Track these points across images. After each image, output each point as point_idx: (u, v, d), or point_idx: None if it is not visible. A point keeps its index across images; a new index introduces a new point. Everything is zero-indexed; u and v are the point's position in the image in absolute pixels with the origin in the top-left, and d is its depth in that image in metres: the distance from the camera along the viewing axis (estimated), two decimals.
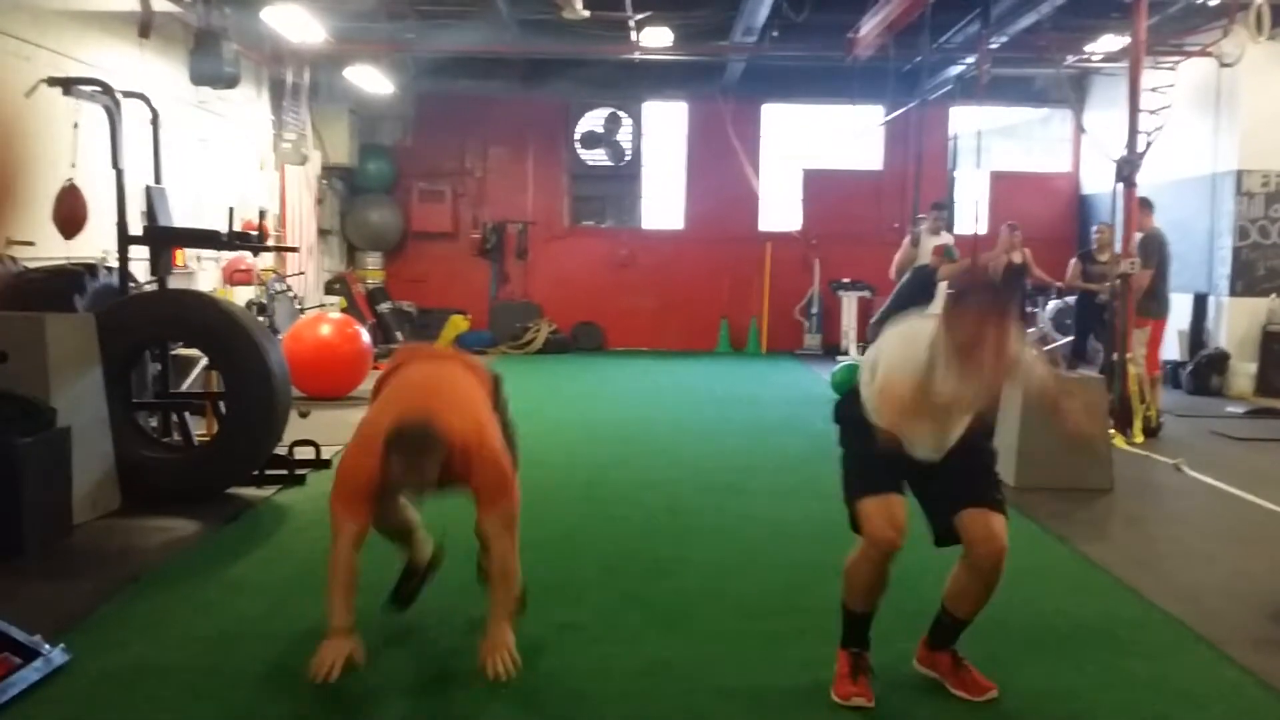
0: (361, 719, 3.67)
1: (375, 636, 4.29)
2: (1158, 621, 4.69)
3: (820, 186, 17.25)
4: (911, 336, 3.63)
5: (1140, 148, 9.43)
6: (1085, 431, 3.81)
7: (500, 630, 3.77)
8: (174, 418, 7.31)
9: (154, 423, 7.35)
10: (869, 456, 3.69)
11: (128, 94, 7.72)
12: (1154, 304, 9.75)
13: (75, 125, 8.13)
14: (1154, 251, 9.69)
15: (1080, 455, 6.81)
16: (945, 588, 3.88)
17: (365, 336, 11.07)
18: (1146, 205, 9.85)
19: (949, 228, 12.24)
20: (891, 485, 3.69)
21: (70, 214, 8.05)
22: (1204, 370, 12.59)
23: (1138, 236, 9.72)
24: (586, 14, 11.53)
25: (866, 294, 16.00)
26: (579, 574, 5.25)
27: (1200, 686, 3.99)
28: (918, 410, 3.48)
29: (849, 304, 16.07)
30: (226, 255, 11.36)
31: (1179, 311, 11.78)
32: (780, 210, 17.52)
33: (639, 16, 12.69)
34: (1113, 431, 8.21)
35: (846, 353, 15.34)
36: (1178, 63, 12.33)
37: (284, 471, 6.98)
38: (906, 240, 12.03)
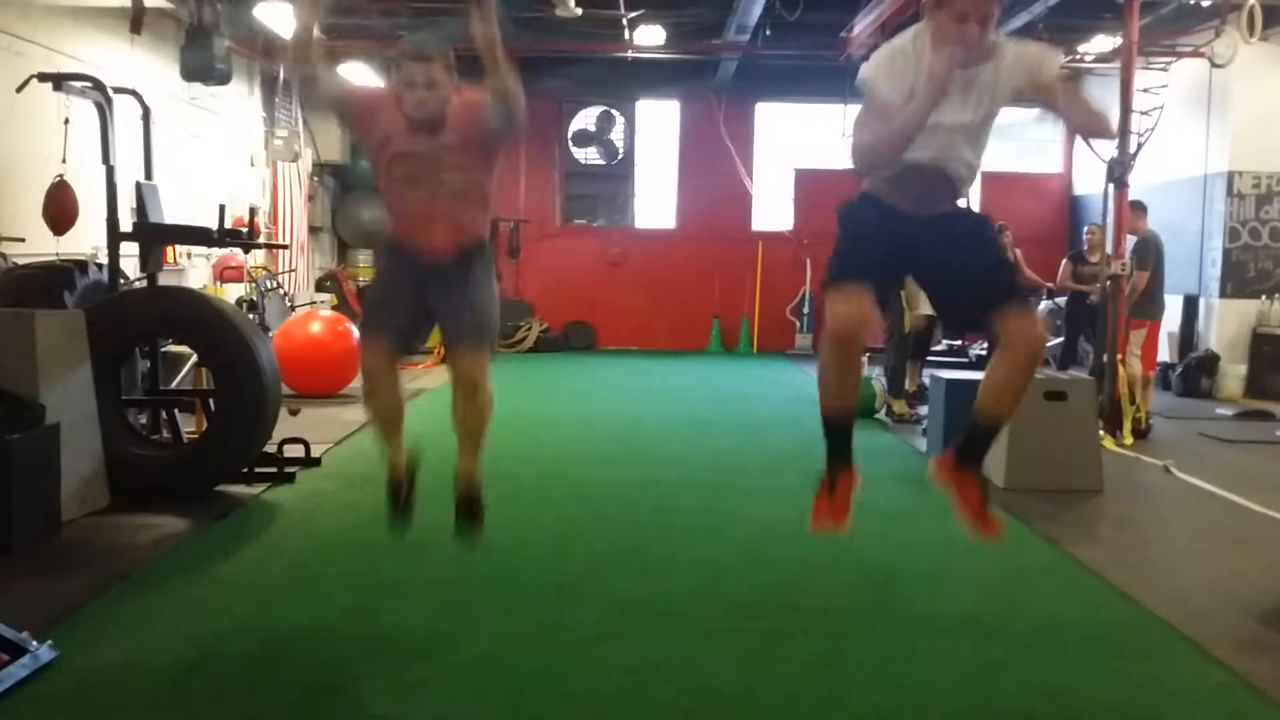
0: (350, 719, 3.66)
1: (363, 635, 4.30)
2: (1146, 623, 4.70)
3: (812, 186, 17.23)
4: (896, 48, 3.61)
5: (1132, 149, 9.46)
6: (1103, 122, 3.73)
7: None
8: (163, 415, 7.28)
9: (143, 420, 7.33)
10: (858, 240, 3.72)
11: (119, 90, 7.68)
12: (1151, 306, 9.81)
13: (66, 121, 8.10)
14: (1150, 254, 9.73)
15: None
16: (981, 392, 3.79)
17: (356, 334, 11.03)
18: (1140, 208, 9.88)
19: None
20: (866, 274, 3.63)
21: (60, 210, 8.02)
22: (1194, 372, 12.62)
23: (1132, 239, 9.76)
24: (579, 12, 11.53)
25: None
26: (569, 573, 5.24)
27: (1188, 688, 4.00)
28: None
29: None
30: (217, 252, 11.34)
31: (1169, 313, 11.82)
32: (772, 209, 17.53)
33: (632, 15, 12.69)
34: (1102, 433, 8.23)
35: None
36: (1170, 63, 12.39)
37: (274, 469, 6.97)
38: None
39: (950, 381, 8.09)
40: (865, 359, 13.65)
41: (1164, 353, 12.56)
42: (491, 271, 4.40)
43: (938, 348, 13.52)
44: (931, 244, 3.69)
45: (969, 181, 3.81)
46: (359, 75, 13.96)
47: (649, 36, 13.50)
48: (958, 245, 3.71)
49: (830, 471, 3.97)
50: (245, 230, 7.89)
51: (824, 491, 3.96)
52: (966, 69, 3.51)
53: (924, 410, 9.58)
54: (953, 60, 3.41)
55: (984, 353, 12.82)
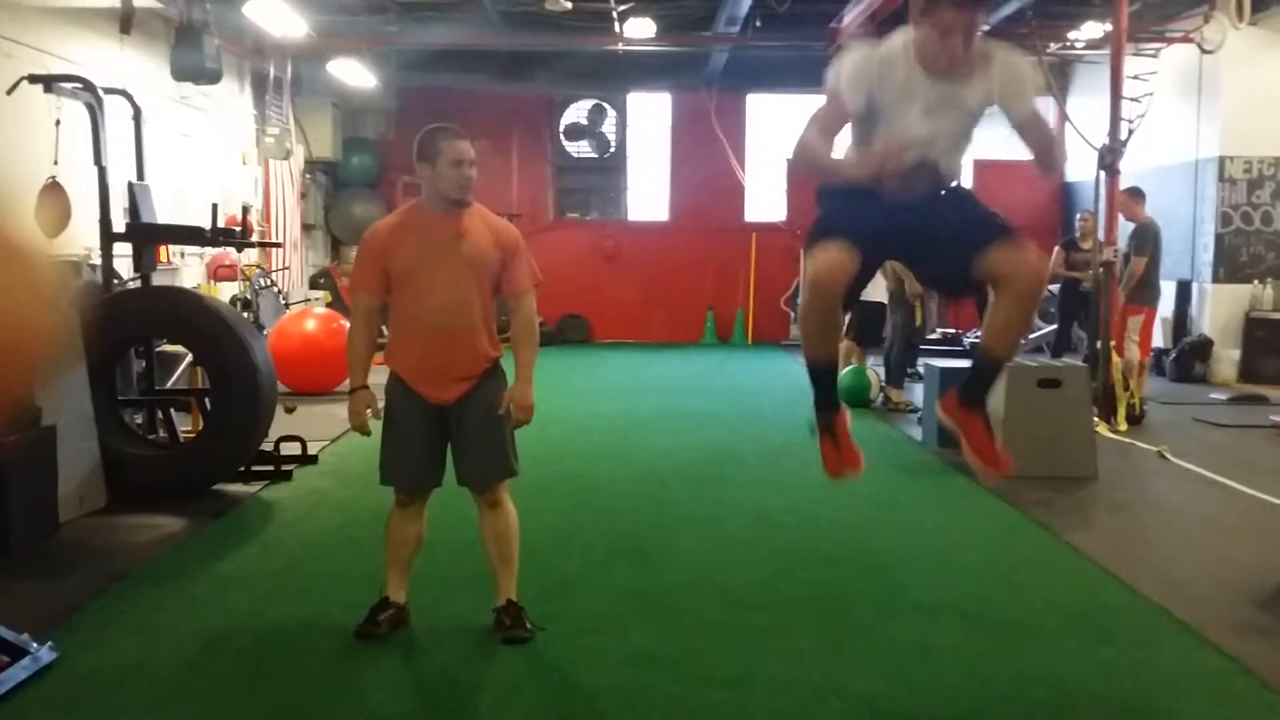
0: (350, 714, 3.67)
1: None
2: (1140, 608, 4.72)
3: (805, 176, 17.24)
4: (883, 57, 3.57)
5: (1123, 135, 9.48)
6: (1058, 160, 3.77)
7: (525, 389, 4.33)
8: (159, 414, 7.29)
9: (139, 420, 7.33)
10: (839, 209, 3.72)
11: (109, 90, 7.68)
12: (1148, 292, 9.86)
13: (57, 122, 8.09)
14: (1149, 240, 9.76)
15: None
16: (983, 331, 3.79)
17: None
18: (1138, 195, 9.91)
19: None
20: (847, 234, 3.58)
21: (53, 211, 8.01)
22: (1187, 357, 12.65)
23: (1130, 226, 9.79)
24: (569, 6, 11.54)
25: None
26: (565, 566, 5.27)
27: (1183, 673, 4.03)
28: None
29: None
30: (210, 251, 11.34)
31: (1162, 298, 11.86)
32: (765, 201, 17.54)
33: (622, 8, 12.69)
34: (1096, 419, 8.25)
35: None
36: (1160, 50, 12.40)
37: (270, 467, 6.99)
38: None
39: (945, 370, 8.10)
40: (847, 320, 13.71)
41: (1158, 338, 12.60)
42: (504, 391, 4.34)
43: (933, 337, 13.56)
44: (916, 217, 3.63)
45: (954, 175, 3.80)
46: (352, 73, 13.96)
47: (639, 29, 13.49)
48: (942, 213, 3.65)
49: (823, 417, 3.95)
50: (238, 229, 7.90)
51: (826, 442, 3.93)
52: (947, 80, 3.51)
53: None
54: (888, 164, 3.43)
55: (978, 340, 12.83)
